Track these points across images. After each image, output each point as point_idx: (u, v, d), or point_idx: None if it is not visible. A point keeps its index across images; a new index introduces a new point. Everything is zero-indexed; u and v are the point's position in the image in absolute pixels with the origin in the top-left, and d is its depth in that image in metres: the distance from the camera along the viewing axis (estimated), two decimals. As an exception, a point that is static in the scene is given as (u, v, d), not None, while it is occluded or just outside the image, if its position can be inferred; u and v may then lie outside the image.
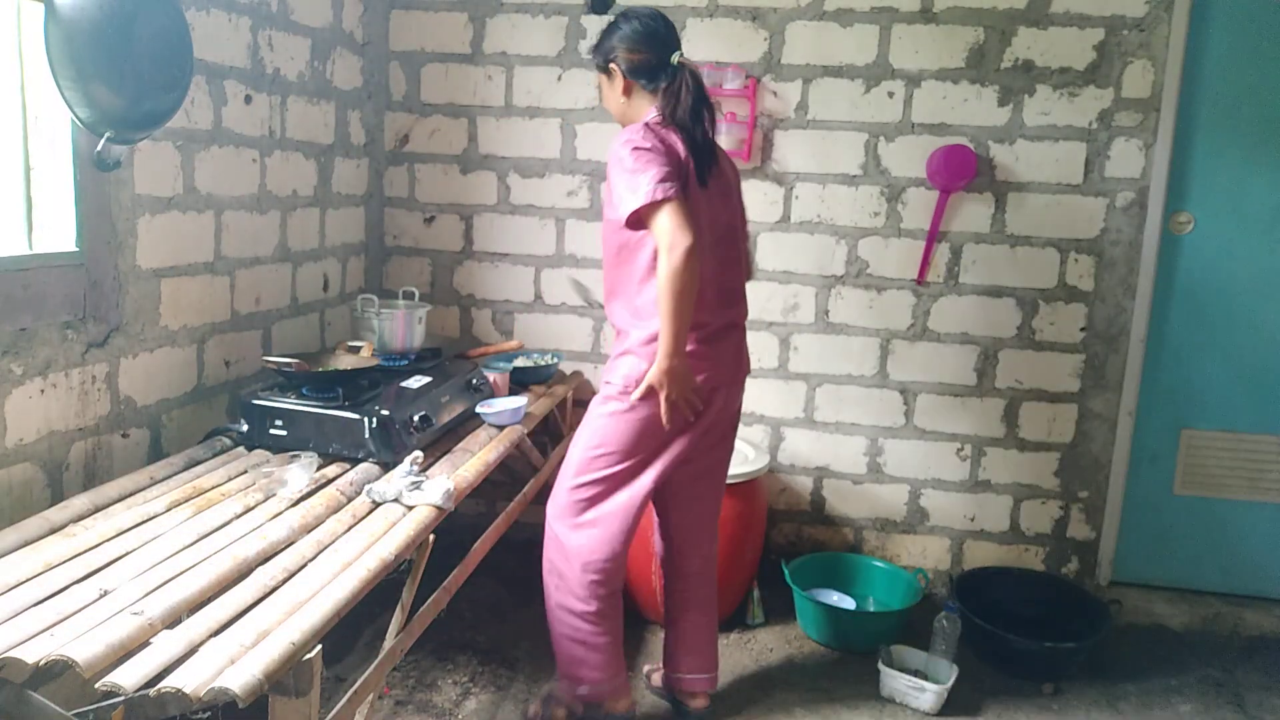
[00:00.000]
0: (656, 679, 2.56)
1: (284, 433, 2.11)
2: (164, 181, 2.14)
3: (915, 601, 2.83)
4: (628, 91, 2.21)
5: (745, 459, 2.91)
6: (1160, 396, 3.10)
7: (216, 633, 1.35)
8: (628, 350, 2.20)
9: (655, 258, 2.09)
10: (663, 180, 2.01)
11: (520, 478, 2.70)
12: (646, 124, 2.13)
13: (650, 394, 2.13)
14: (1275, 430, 3.06)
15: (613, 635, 2.30)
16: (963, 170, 2.93)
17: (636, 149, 2.06)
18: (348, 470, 2.05)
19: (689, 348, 2.13)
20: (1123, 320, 3.03)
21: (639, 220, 2.05)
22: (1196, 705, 2.59)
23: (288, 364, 2.19)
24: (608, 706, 2.34)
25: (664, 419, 2.14)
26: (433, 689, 2.45)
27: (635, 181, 2.02)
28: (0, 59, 1.81)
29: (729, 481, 2.76)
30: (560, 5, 3.12)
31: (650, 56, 2.17)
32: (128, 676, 1.20)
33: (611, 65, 2.20)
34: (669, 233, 2.00)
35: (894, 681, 2.52)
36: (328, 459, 2.09)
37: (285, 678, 1.31)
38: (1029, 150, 2.99)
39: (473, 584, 2.24)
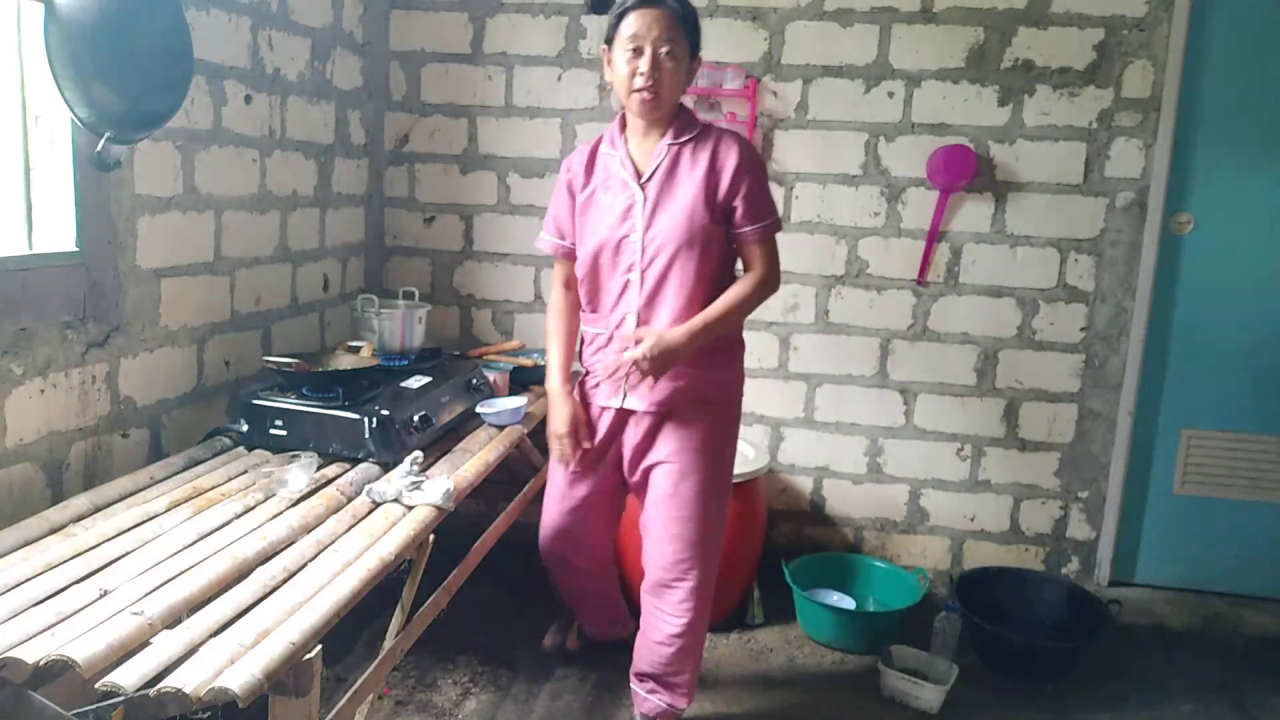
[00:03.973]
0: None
1: (284, 433, 2.11)
2: (164, 181, 2.14)
3: (915, 601, 2.83)
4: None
5: (745, 459, 2.91)
6: (1160, 396, 3.10)
7: (216, 633, 1.35)
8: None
9: (720, 263, 2.08)
10: None
11: (520, 478, 2.70)
12: None
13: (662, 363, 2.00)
14: (1275, 430, 3.06)
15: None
16: (963, 170, 2.93)
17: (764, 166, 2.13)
18: (348, 470, 2.05)
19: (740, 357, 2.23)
20: (1123, 320, 3.03)
21: (762, 231, 2.06)
22: (1196, 705, 2.59)
23: (288, 364, 2.19)
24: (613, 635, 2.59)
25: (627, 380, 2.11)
26: (433, 689, 2.45)
27: (771, 198, 2.10)
28: (0, 59, 1.81)
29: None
30: (560, 5, 3.12)
31: None
32: (128, 676, 1.20)
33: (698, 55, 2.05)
34: (777, 262, 2.10)
35: (894, 681, 2.52)
36: (328, 459, 2.09)
37: (285, 678, 1.31)
38: (1029, 150, 2.99)
39: (473, 584, 2.23)
